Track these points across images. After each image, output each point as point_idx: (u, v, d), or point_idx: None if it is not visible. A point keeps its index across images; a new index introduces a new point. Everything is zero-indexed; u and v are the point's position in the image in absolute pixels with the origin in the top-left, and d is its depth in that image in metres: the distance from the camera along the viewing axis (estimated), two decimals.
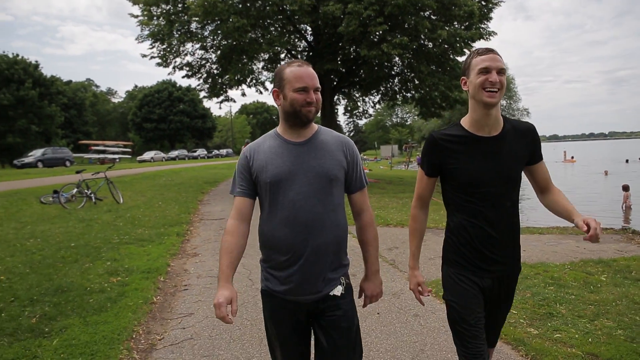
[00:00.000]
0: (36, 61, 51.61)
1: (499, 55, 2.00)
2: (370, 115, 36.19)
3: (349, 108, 28.31)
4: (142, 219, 9.39)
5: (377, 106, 28.69)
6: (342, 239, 2.02)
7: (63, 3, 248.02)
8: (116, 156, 48.27)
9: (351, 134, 75.99)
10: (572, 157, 50.57)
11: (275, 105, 2.00)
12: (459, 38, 16.47)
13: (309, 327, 2.06)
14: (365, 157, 60.48)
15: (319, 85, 1.97)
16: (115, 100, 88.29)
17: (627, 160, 42.90)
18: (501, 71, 1.97)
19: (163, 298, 4.75)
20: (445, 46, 17.19)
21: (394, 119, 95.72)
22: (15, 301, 4.46)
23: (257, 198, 2.04)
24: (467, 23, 16.93)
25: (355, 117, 32.84)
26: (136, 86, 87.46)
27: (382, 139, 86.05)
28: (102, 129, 77.02)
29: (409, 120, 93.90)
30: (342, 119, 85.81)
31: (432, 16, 16.26)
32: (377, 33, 15.23)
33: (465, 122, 2.11)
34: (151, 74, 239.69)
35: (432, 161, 2.16)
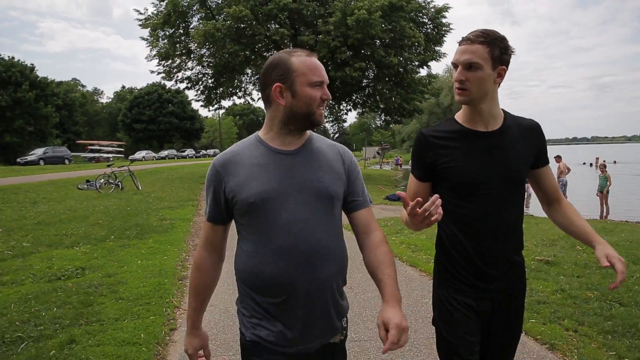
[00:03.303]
0: (32, 64, 54.26)
1: (478, 42, 1.63)
2: (344, 121, 40.20)
3: (325, 114, 32.26)
4: (163, 198, 13.12)
5: (350, 113, 32.54)
6: (345, 270, 1.63)
7: None
8: (110, 155, 51.43)
9: (336, 136, 79.78)
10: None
11: (266, 106, 1.55)
12: (409, 62, 20.51)
13: None
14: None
15: None
16: (102, 100, 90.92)
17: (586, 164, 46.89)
18: (470, 66, 1.63)
19: (195, 230, 8.48)
20: (400, 69, 21.19)
21: (377, 122, 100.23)
22: (117, 230, 8.15)
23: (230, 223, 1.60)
24: (418, 50, 20.96)
25: (337, 122, 37.01)
26: (124, 87, 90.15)
27: (365, 140, 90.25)
28: (91, 129, 79.48)
29: (392, 123, 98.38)
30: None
31: (386, 47, 20.22)
32: (342, 59, 19.12)
33: (459, 116, 1.79)
34: (136, 73, 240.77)
35: (423, 162, 1.79)
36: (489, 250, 1.73)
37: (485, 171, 1.71)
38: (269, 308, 1.50)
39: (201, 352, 1.64)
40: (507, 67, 1.70)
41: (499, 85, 1.72)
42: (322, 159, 1.57)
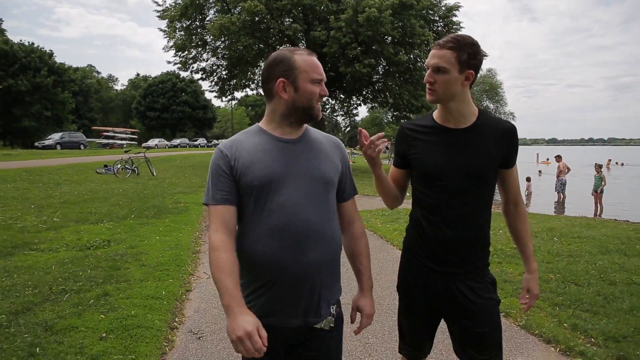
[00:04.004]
0: (50, 50, 55.23)
1: (446, 48, 1.76)
2: (356, 115, 40.74)
3: (336, 108, 32.88)
4: (177, 184, 13.88)
5: (360, 108, 33.11)
6: (337, 254, 1.69)
7: None
8: (123, 142, 52.50)
9: (347, 130, 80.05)
10: (547, 159, 54.84)
11: (267, 100, 1.67)
12: (419, 59, 21.01)
13: None
14: (355, 152, 64.81)
15: None
16: (117, 87, 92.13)
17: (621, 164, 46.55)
18: (437, 69, 1.78)
19: (207, 213, 9.19)
20: (410, 66, 21.69)
21: (389, 117, 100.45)
22: (136, 210, 8.89)
23: None
24: (427, 48, 21.42)
25: (348, 116, 37.64)
26: (138, 74, 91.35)
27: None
28: (105, 116, 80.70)
29: (401, 118, 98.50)
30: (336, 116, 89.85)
31: (395, 44, 20.72)
32: (352, 55, 19.68)
33: (435, 113, 1.95)
34: (151, 61, 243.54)
35: (398, 150, 2.01)
36: (446, 238, 1.86)
37: (446, 164, 1.84)
38: (256, 284, 1.60)
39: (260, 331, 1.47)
40: (476, 71, 1.82)
41: (470, 86, 1.85)
42: (320, 148, 1.69)
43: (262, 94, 1.94)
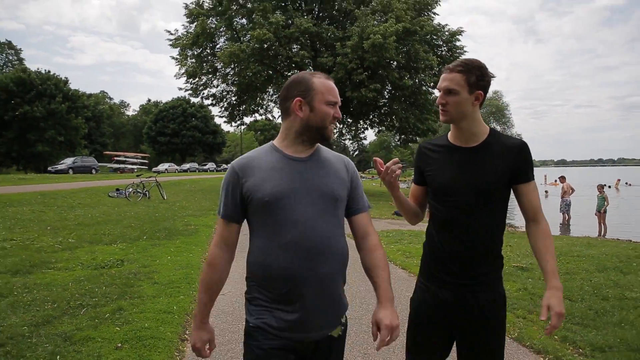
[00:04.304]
0: (66, 77, 56.63)
1: (456, 71, 1.90)
2: (364, 138, 41.23)
3: (343, 132, 33.35)
4: (187, 207, 14.22)
5: (368, 132, 33.52)
6: (345, 267, 1.77)
7: (74, 13, 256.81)
8: (134, 167, 53.30)
9: (355, 154, 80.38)
10: (556, 181, 54.73)
11: (284, 117, 1.77)
12: (423, 83, 21.46)
13: None
14: (363, 175, 65.30)
15: None
16: (128, 112, 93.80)
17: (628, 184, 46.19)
18: (449, 91, 1.92)
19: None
20: (415, 89, 22.13)
21: (396, 140, 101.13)
22: (148, 232, 9.19)
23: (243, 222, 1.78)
24: (432, 72, 21.90)
25: (355, 140, 38.07)
26: (149, 100, 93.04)
27: (385, 159, 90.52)
28: (116, 141, 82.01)
29: (408, 142, 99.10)
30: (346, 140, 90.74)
31: (400, 69, 21.20)
32: (358, 80, 20.16)
33: (450, 133, 2.07)
34: (161, 87, 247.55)
35: (417, 168, 2.14)
36: (455, 251, 1.93)
37: (456, 181, 1.94)
38: (274, 298, 1.65)
39: (207, 345, 1.78)
40: (484, 91, 1.94)
41: (480, 106, 1.97)
42: (329, 166, 1.76)
43: (270, 118, 2.17)
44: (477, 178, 1.92)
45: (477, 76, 1.90)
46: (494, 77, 2.05)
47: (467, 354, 2.00)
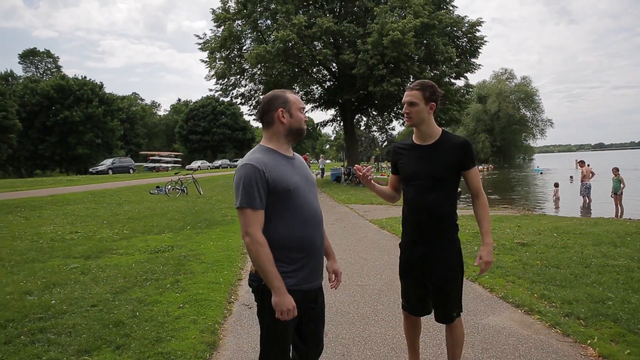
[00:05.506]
0: (101, 82, 58.97)
1: (415, 89, 2.65)
2: (392, 129, 41.67)
3: (369, 124, 34.09)
4: (223, 201, 15.38)
5: (392, 123, 34.09)
6: None
7: (102, 18, 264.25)
8: (168, 165, 55.34)
9: (384, 144, 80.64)
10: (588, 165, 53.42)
11: (267, 126, 2.25)
12: (444, 74, 22.02)
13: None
14: (384, 165, 65.59)
15: None
16: (159, 113, 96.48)
17: None
18: (410, 104, 2.64)
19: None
20: (436, 81, 22.66)
21: None
22: (191, 223, 10.30)
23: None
24: (452, 63, 22.40)
25: (384, 131, 38.87)
26: (179, 100, 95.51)
27: None
28: (149, 141, 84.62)
29: None
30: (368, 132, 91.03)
31: (420, 62, 21.79)
32: (380, 75, 20.88)
33: (413, 136, 2.80)
34: (190, 85, 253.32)
35: (392, 162, 2.92)
36: (418, 221, 2.68)
37: (417, 170, 2.67)
38: (296, 259, 2.18)
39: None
40: (436, 103, 2.67)
41: (432, 114, 2.68)
42: (303, 163, 2.38)
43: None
44: (432, 168, 2.64)
45: (430, 92, 2.64)
46: (442, 93, 2.88)
47: (434, 292, 2.75)
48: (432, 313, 2.88)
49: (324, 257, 2.45)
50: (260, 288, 2.19)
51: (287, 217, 2.17)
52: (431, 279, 2.74)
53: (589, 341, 3.59)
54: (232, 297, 5.15)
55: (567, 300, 4.55)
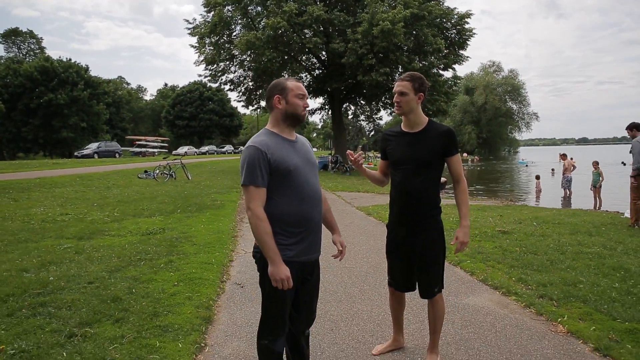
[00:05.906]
0: (86, 65, 57.92)
1: (405, 80, 2.85)
2: (380, 119, 41.99)
3: (357, 113, 34.29)
4: (211, 186, 15.50)
5: (380, 113, 34.37)
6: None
7: None
8: (155, 150, 54.90)
9: (371, 134, 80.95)
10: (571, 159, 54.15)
11: (270, 111, 2.45)
12: (432, 65, 22.26)
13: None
14: (377, 155, 66.02)
15: None
16: (146, 97, 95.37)
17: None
18: (401, 93, 2.84)
19: (240, 208, 10.69)
20: (424, 72, 22.90)
21: None
22: (181, 206, 10.44)
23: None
24: (440, 55, 22.63)
25: (371, 121, 39.10)
26: (166, 85, 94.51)
27: None
28: (135, 125, 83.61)
29: None
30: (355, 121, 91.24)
31: (409, 53, 21.99)
32: (369, 64, 21.04)
33: (402, 122, 3.00)
34: (177, 70, 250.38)
35: (381, 148, 3.11)
36: (404, 202, 2.90)
37: (404, 155, 2.87)
38: (295, 233, 2.35)
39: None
40: (424, 93, 2.88)
41: (420, 104, 2.88)
42: (306, 146, 2.54)
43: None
44: (418, 154, 2.86)
45: (419, 83, 2.87)
46: (429, 84, 3.10)
47: (418, 268, 2.97)
48: (417, 290, 3.10)
49: (330, 230, 2.69)
50: (262, 259, 2.36)
51: (287, 195, 2.34)
52: (415, 256, 2.94)
53: (559, 319, 3.87)
54: (225, 276, 5.35)
55: (542, 283, 4.83)
